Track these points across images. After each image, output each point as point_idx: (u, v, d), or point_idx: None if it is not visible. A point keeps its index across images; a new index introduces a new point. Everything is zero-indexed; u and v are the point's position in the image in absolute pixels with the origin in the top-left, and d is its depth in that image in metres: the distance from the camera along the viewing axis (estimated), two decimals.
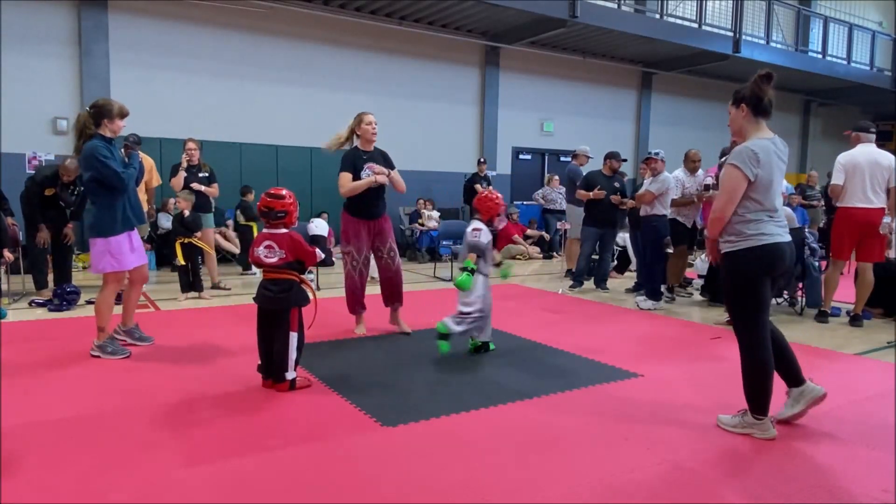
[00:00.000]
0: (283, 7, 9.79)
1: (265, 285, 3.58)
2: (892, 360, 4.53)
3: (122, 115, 4.20)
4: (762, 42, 13.55)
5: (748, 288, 2.99)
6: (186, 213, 6.51)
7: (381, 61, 10.94)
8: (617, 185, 7.26)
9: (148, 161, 7.20)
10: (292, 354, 3.54)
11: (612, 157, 7.33)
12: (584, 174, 7.75)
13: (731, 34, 12.75)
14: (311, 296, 3.65)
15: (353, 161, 4.82)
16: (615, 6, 11.48)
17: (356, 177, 4.78)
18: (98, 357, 4.20)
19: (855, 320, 5.71)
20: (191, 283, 6.48)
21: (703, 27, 12.53)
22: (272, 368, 3.59)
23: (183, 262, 6.40)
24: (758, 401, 3.02)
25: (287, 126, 10.09)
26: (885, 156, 5.49)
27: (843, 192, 5.53)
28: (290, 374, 3.55)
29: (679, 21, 12.36)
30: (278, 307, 3.54)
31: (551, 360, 4.38)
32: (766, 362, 3.00)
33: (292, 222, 3.66)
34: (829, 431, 3.16)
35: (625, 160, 7.56)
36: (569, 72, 13.12)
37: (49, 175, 6.21)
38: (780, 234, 3.00)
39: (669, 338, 5.14)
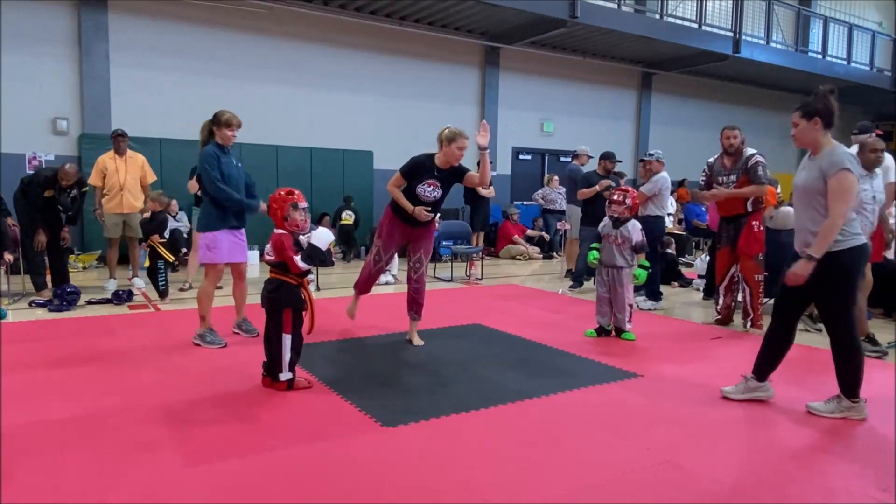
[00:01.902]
0: (282, 7, 9.78)
1: (264, 285, 3.64)
2: (892, 360, 4.53)
3: (228, 124, 4.53)
4: (762, 42, 13.54)
5: (853, 282, 3.23)
6: (146, 214, 6.45)
7: (380, 61, 10.94)
8: (612, 185, 7.27)
9: (139, 158, 7.20)
10: (286, 356, 3.52)
11: (606, 157, 7.37)
12: (583, 174, 7.76)
13: (731, 34, 12.75)
14: (305, 298, 3.58)
15: (416, 172, 4.46)
16: (615, 6, 11.47)
17: (410, 187, 4.48)
18: (199, 345, 4.51)
19: None
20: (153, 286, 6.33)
21: (703, 27, 12.53)
22: (271, 367, 3.62)
23: (147, 264, 6.32)
24: (854, 384, 3.25)
25: (287, 126, 10.09)
26: None
27: None
28: (283, 376, 3.55)
29: (679, 21, 12.36)
30: (268, 307, 3.58)
31: (551, 360, 4.38)
32: (861, 348, 3.30)
33: (275, 220, 3.61)
34: (829, 431, 3.16)
35: (619, 161, 7.57)
36: (569, 72, 13.12)
37: (49, 176, 6.21)
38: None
39: (669, 338, 5.14)
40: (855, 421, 3.29)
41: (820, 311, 3.38)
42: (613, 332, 5.07)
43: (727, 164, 5.37)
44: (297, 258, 3.50)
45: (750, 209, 5.31)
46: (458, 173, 4.59)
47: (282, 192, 3.64)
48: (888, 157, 5.47)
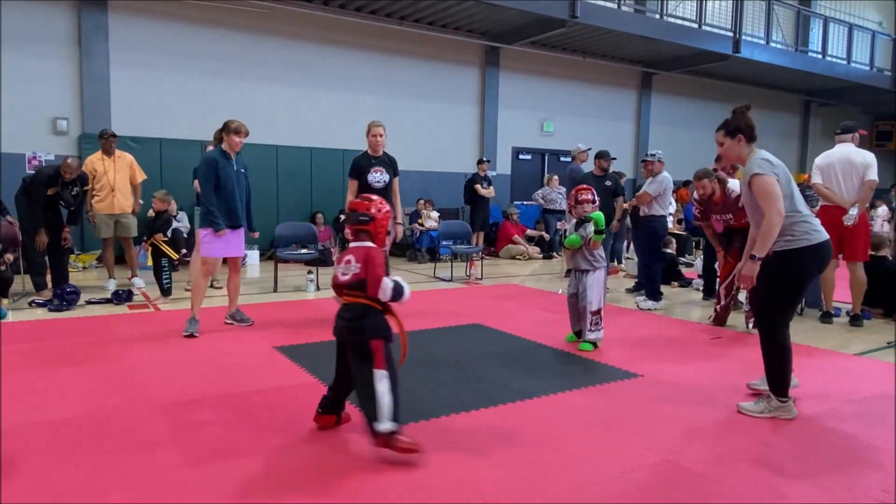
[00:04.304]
0: (282, 7, 9.79)
1: (339, 312, 2.90)
2: (892, 360, 4.54)
3: (237, 132, 4.99)
4: (762, 42, 13.55)
5: (800, 284, 3.28)
6: (150, 213, 6.46)
7: (381, 61, 10.94)
8: (608, 183, 7.27)
9: (127, 158, 7.19)
10: (383, 400, 2.70)
11: (601, 157, 7.39)
12: (583, 175, 7.76)
13: (731, 34, 12.75)
14: (393, 328, 2.88)
15: (360, 167, 5.35)
16: (615, 6, 11.47)
17: (362, 181, 5.30)
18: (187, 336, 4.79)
19: (855, 320, 5.72)
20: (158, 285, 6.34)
21: (703, 27, 12.53)
22: (339, 403, 3.05)
23: (150, 263, 6.32)
24: (782, 383, 3.28)
25: (287, 126, 10.10)
26: (859, 153, 5.52)
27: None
28: (382, 426, 2.67)
29: (679, 21, 12.36)
30: (350, 338, 2.85)
31: (551, 360, 4.39)
32: (790, 348, 3.31)
33: (378, 232, 2.92)
34: (828, 431, 3.16)
35: (614, 159, 7.59)
36: (569, 72, 13.13)
37: (51, 174, 6.21)
38: (823, 230, 3.30)
39: (669, 338, 5.14)
40: (860, 423, 3.29)
41: (759, 304, 3.42)
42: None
43: (718, 203, 5.51)
44: (388, 281, 2.80)
45: None
46: (392, 164, 5.48)
47: (382, 207, 2.96)
48: (870, 156, 5.51)
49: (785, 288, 3.27)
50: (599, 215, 4.59)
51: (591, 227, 4.60)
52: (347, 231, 3.09)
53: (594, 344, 4.65)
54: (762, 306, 3.36)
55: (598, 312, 4.63)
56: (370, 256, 2.83)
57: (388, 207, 3.00)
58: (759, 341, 3.36)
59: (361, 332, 2.80)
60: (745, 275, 3.30)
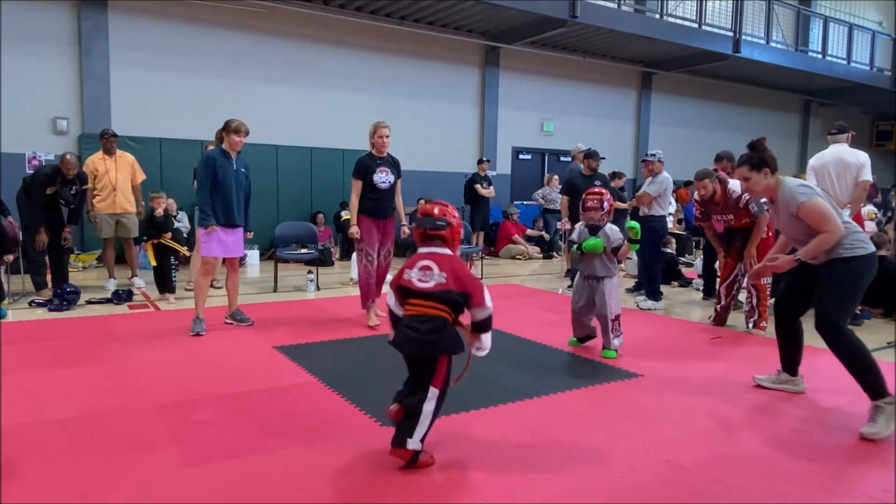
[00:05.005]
0: (282, 7, 9.79)
1: (410, 323, 2.60)
2: (892, 360, 4.53)
3: (237, 131, 4.96)
4: (762, 42, 13.55)
5: (861, 288, 3.30)
6: (159, 212, 6.49)
7: (381, 61, 10.94)
8: (597, 182, 7.28)
9: (128, 157, 7.19)
10: (424, 421, 2.57)
11: (589, 156, 7.42)
12: (566, 178, 7.77)
13: (731, 34, 12.76)
14: (464, 341, 2.70)
15: (366, 167, 5.31)
16: (615, 6, 11.47)
17: (368, 180, 5.28)
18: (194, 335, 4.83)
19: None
20: (162, 284, 6.38)
21: (703, 27, 12.53)
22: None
23: (155, 263, 6.35)
24: (876, 381, 3.17)
25: (287, 126, 10.09)
26: (852, 153, 5.53)
27: None
28: (412, 444, 2.56)
29: (679, 21, 12.36)
30: (427, 353, 2.60)
31: (551, 360, 4.38)
32: (861, 343, 3.22)
33: (454, 239, 2.74)
34: (828, 431, 3.16)
35: (603, 158, 7.62)
36: (569, 72, 13.13)
37: (49, 173, 6.21)
38: (871, 243, 3.41)
39: (669, 338, 5.14)
40: (861, 422, 3.27)
41: (821, 311, 3.30)
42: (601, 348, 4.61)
43: (718, 204, 5.46)
44: (487, 297, 2.64)
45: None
46: (395, 165, 5.48)
47: (456, 214, 2.79)
48: (863, 155, 5.52)
49: (850, 291, 3.27)
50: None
51: (617, 235, 4.47)
52: (413, 235, 2.92)
53: (617, 351, 4.51)
54: (826, 312, 3.26)
55: (617, 318, 4.52)
56: (463, 266, 2.66)
57: (459, 214, 2.85)
58: (833, 352, 3.25)
59: (435, 345, 2.58)
60: (782, 266, 3.38)
